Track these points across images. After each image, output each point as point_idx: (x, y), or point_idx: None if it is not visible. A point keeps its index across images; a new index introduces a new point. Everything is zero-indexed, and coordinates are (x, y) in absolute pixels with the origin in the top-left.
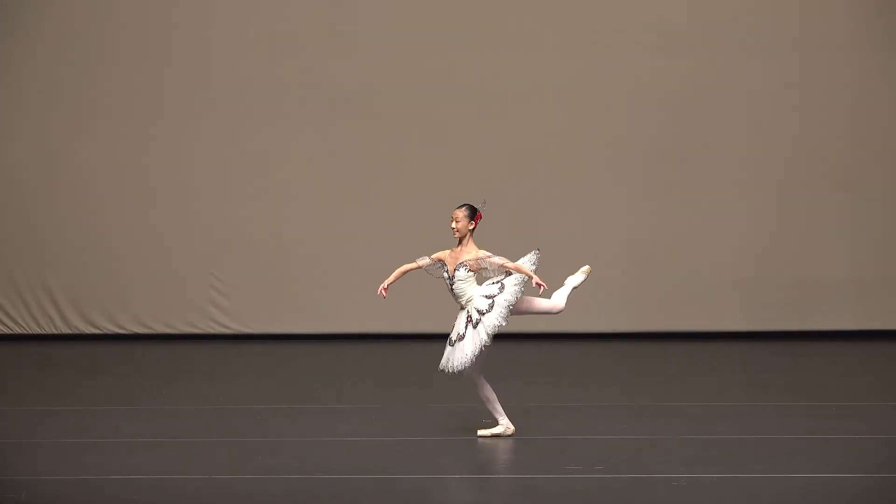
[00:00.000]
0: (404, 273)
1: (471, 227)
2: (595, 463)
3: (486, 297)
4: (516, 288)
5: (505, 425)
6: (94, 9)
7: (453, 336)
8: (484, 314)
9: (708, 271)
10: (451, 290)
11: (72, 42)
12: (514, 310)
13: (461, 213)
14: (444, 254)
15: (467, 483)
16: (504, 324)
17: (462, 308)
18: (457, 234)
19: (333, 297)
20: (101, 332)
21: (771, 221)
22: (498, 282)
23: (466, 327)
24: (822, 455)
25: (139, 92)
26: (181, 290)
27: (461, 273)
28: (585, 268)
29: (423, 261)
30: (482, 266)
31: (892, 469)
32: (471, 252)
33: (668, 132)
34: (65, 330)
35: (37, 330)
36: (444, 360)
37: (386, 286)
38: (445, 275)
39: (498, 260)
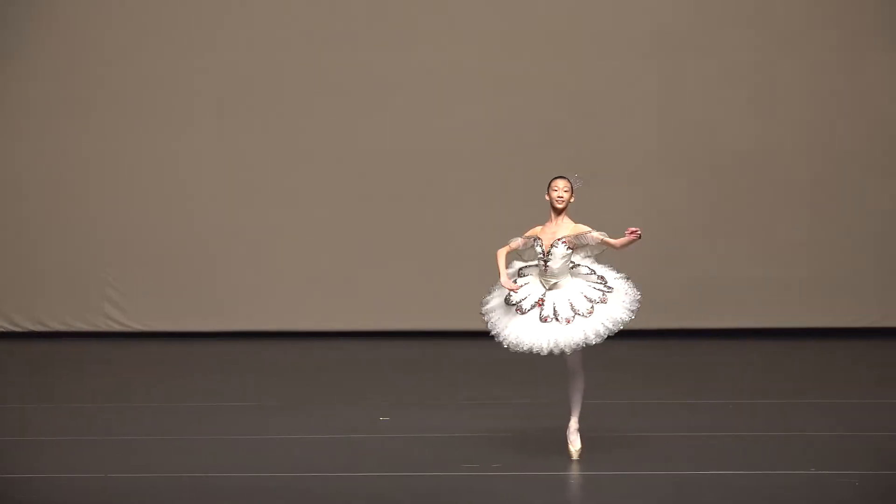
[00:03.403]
0: (506, 257)
1: (572, 200)
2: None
3: (587, 298)
4: (629, 310)
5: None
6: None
7: (547, 312)
8: (582, 316)
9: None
10: (546, 267)
11: None
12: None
13: (566, 183)
14: (537, 230)
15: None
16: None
17: (548, 288)
18: (561, 205)
19: (233, 295)
20: None
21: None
22: (601, 284)
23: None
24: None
25: (35, 90)
26: (77, 287)
27: (560, 249)
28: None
29: (516, 242)
30: (582, 242)
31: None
32: (568, 227)
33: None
34: None
35: None
36: (545, 343)
37: (508, 278)
38: (539, 250)
39: (598, 235)
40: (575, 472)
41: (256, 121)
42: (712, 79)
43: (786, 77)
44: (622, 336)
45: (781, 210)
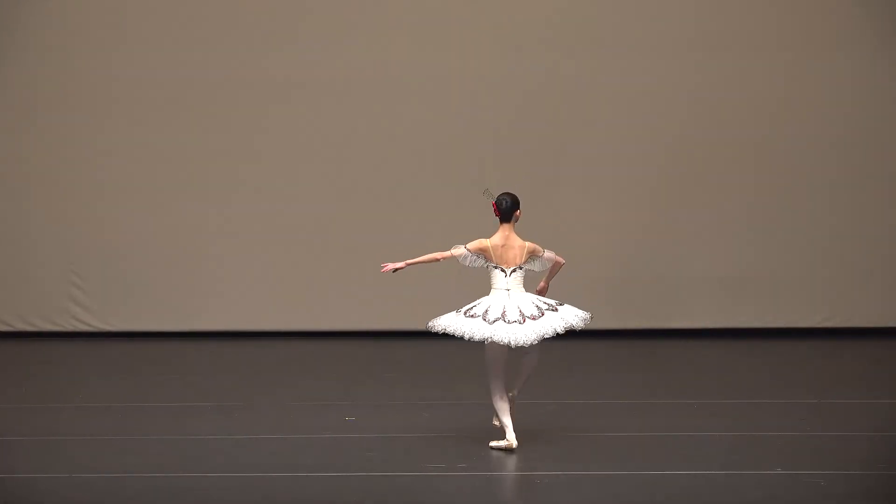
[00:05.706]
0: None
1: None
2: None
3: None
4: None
5: (509, 440)
6: None
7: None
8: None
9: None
10: None
11: None
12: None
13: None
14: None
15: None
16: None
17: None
18: None
19: (201, 295)
20: None
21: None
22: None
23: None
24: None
25: None
26: (41, 286)
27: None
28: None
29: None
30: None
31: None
32: None
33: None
34: None
35: None
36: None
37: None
38: None
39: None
40: (540, 472)
41: (224, 118)
42: (673, 81)
43: (745, 80)
44: (585, 336)
45: (739, 211)
